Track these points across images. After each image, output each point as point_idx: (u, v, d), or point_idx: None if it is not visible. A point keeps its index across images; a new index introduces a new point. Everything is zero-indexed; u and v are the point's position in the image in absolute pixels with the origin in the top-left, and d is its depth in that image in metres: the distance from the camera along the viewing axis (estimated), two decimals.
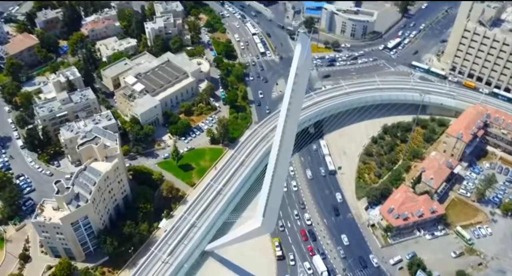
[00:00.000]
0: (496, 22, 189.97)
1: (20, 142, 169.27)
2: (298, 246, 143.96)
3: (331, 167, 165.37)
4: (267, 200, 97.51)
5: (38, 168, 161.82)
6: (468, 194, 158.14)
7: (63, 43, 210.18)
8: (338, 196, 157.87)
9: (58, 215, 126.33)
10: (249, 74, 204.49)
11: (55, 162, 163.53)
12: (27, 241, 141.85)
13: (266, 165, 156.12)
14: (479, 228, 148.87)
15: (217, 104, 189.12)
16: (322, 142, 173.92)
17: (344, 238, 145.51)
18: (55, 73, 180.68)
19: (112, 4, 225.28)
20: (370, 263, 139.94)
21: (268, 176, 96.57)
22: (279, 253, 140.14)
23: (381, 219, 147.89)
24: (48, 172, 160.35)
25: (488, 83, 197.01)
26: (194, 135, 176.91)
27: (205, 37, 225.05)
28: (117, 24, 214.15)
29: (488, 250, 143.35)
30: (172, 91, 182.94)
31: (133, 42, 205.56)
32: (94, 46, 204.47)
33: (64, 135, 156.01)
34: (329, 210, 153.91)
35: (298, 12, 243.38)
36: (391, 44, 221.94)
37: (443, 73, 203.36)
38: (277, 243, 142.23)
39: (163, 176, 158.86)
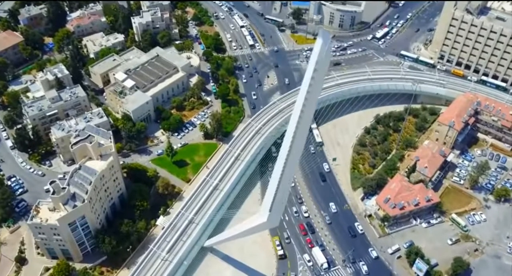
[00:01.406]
0: (483, 10, 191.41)
1: (9, 143, 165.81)
2: (297, 239, 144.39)
3: (318, 139, 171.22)
4: (275, 195, 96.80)
5: (30, 168, 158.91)
6: (462, 182, 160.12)
7: (48, 40, 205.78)
8: (325, 166, 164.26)
9: (54, 216, 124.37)
10: (241, 67, 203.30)
11: (47, 162, 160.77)
12: (22, 243, 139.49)
13: (262, 160, 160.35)
14: (474, 214, 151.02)
15: (208, 98, 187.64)
16: None
17: (332, 206, 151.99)
18: (43, 71, 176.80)
19: None
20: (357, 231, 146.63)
21: (277, 172, 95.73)
22: (281, 252, 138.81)
23: (378, 209, 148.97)
24: (40, 173, 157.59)
25: (476, 71, 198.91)
26: (187, 131, 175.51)
27: (193, 30, 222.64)
28: (103, 19, 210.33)
29: (483, 236, 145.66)
30: (163, 87, 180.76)
31: (120, 37, 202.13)
32: (81, 42, 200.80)
33: (56, 134, 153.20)
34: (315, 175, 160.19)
35: (285, 4, 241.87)
36: (379, 34, 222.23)
37: (431, 62, 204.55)
38: (278, 242, 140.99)
39: (158, 173, 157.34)
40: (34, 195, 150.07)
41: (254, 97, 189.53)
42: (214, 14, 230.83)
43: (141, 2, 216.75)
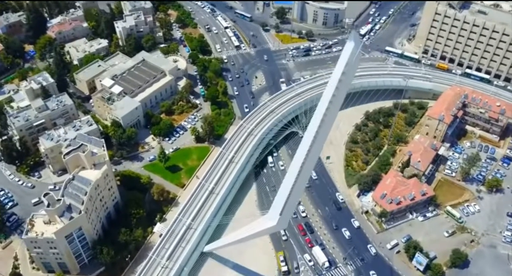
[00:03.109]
0: (465, 4, 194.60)
1: None
2: (296, 239, 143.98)
3: None
4: (287, 199, 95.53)
5: (18, 180, 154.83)
6: (453, 174, 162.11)
7: (29, 48, 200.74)
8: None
9: (50, 229, 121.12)
10: (228, 68, 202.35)
11: (36, 173, 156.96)
12: (15, 258, 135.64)
13: (256, 161, 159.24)
14: (467, 206, 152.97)
15: (197, 101, 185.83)
16: None
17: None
18: (26, 80, 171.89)
19: (77, 4, 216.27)
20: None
21: (291, 176, 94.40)
22: (285, 268, 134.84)
23: (375, 205, 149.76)
24: (29, 184, 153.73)
25: (460, 64, 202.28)
26: (177, 135, 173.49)
27: (177, 33, 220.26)
28: (85, 25, 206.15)
29: (478, 227, 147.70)
30: (151, 91, 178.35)
31: (104, 42, 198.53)
32: (63, 49, 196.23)
33: (44, 144, 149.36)
34: None
35: (268, 4, 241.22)
36: (363, 30, 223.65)
37: (416, 56, 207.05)
38: (282, 258, 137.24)
39: (151, 180, 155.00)
40: (25, 208, 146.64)
41: (247, 110, 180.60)
42: (206, 26, 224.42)
43: (122, 6, 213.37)
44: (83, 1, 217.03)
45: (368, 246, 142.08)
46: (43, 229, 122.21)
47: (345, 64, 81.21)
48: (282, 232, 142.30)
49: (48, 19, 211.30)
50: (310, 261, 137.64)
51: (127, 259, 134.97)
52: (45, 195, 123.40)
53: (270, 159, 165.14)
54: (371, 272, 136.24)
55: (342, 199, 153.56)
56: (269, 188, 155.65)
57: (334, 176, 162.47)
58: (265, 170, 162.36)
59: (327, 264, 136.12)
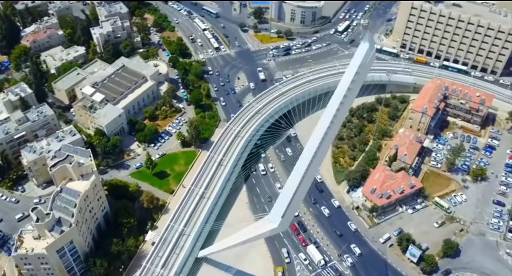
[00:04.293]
0: None
1: None
2: (290, 239, 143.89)
3: None
4: (290, 202, 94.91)
5: (1, 196, 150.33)
6: (439, 165, 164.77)
7: (3, 58, 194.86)
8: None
9: (41, 244, 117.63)
10: (210, 71, 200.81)
11: (19, 187, 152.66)
12: None
13: (244, 163, 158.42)
14: (454, 196, 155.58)
15: (181, 105, 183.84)
16: None
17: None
18: (3, 92, 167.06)
19: (51, 11, 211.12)
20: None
21: (295, 177, 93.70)
22: None
23: (365, 201, 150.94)
24: (13, 199, 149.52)
25: (438, 57, 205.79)
26: (163, 140, 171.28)
27: (155, 37, 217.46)
28: (60, 32, 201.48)
29: (466, 216, 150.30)
30: (133, 97, 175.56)
31: (81, 50, 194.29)
32: (39, 58, 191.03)
33: (27, 157, 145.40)
34: None
35: (244, 5, 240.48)
36: (341, 27, 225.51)
37: (394, 51, 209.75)
38: (280, 274, 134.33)
39: (140, 187, 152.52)
40: (10, 224, 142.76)
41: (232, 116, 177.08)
42: (190, 37, 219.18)
43: (98, 11, 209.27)
44: (58, 0, 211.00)
45: (348, 223, 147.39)
46: (33, 245, 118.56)
47: (359, 64, 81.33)
48: (285, 254, 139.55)
49: (21, 28, 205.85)
50: (305, 260, 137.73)
51: (120, 269, 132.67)
52: (33, 209, 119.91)
53: (262, 167, 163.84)
54: (352, 246, 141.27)
55: (320, 179, 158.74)
56: (260, 190, 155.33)
57: (323, 174, 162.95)
58: (254, 172, 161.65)
59: (322, 262, 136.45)
